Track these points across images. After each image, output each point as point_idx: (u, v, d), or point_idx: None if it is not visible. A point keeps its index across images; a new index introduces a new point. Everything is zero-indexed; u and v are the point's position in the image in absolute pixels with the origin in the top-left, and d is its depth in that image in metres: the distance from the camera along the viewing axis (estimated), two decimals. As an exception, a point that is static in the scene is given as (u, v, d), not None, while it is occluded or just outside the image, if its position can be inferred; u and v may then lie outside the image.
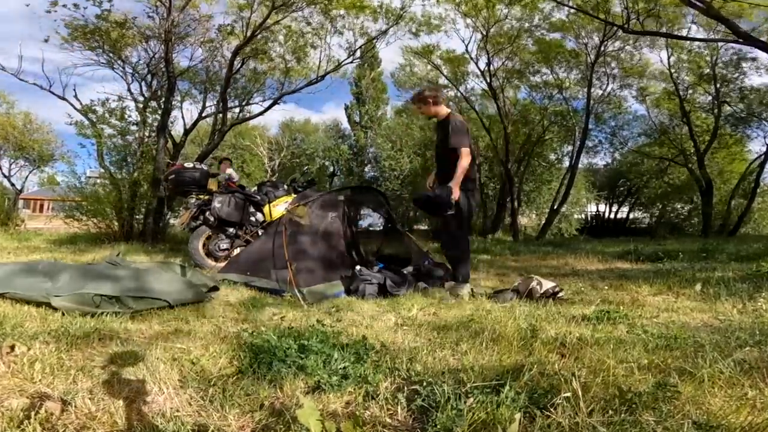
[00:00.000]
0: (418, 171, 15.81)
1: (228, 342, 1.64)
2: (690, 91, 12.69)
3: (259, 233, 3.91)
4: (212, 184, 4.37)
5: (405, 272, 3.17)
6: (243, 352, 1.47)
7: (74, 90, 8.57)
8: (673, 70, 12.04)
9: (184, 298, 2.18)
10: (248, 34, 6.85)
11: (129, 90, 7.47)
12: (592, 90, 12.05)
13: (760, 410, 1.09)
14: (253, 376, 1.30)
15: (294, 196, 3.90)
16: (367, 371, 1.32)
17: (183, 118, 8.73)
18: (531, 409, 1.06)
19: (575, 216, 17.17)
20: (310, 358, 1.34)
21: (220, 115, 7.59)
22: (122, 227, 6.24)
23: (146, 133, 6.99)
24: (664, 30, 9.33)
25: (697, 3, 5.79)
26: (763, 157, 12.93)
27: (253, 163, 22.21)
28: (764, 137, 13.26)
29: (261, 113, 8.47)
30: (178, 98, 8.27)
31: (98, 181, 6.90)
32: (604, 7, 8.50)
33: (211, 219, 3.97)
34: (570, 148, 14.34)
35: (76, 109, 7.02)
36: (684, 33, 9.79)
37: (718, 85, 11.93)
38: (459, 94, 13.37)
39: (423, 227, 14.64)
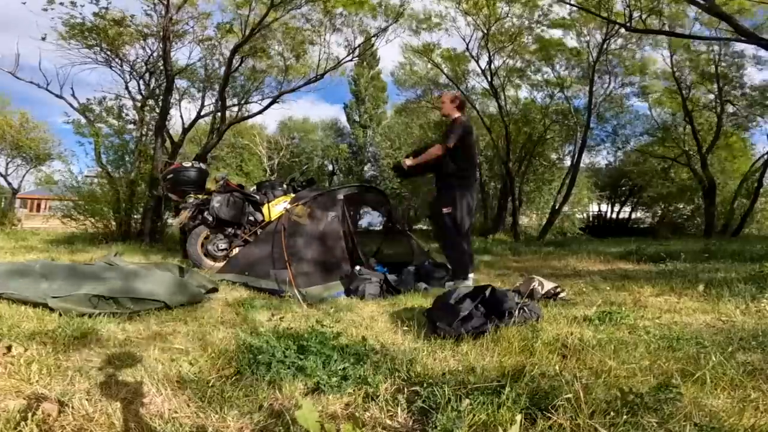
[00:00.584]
0: (419, 170, 15.77)
1: (226, 343, 1.63)
2: (692, 90, 12.63)
3: (258, 233, 3.90)
4: (210, 184, 4.35)
5: (405, 272, 3.16)
6: (242, 353, 1.46)
7: (71, 89, 8.55)
8: (675, 69, 11.99)
9: (182, 299, 2.17)
10: (247, 32, 6.82)
11: (127, 88, 7.44)
12: (594, 88, 12.01)
13: (763, 412, 1.08)
14: (251, 377, 1.29)
15: (293, 195, 3.89)
16: (367, 372, 1.31)
17: (181, 116, 8.75)
18: (532, 410, 1.06)
19: (577, 216, 17.13)
20: (309, 359, 1.33)
21: (219, 113, 7.57)
22: (120, 227, 6.21)
23: (144, 132, 6.97)
24: (666, 28, 9.29)
25: (699, 0, 5.76)
26: (766, 156, 12.87)
27: (252, 163, 22.19)
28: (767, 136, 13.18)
29: (260, 112, 8.45)
30: (177, 97, 8.23)
31: (95, 180, 6.88)
32: (606, 5, 8.47)
33: (210, 219, 3.95)
34: (571, 147, 14.30)
35: (73, 107, 7.00)
36: (686, 31, 9.74)
37: (720, 84, 11.87)
38: (459, 93, 13.33)
39: (423, 227, 14.63)
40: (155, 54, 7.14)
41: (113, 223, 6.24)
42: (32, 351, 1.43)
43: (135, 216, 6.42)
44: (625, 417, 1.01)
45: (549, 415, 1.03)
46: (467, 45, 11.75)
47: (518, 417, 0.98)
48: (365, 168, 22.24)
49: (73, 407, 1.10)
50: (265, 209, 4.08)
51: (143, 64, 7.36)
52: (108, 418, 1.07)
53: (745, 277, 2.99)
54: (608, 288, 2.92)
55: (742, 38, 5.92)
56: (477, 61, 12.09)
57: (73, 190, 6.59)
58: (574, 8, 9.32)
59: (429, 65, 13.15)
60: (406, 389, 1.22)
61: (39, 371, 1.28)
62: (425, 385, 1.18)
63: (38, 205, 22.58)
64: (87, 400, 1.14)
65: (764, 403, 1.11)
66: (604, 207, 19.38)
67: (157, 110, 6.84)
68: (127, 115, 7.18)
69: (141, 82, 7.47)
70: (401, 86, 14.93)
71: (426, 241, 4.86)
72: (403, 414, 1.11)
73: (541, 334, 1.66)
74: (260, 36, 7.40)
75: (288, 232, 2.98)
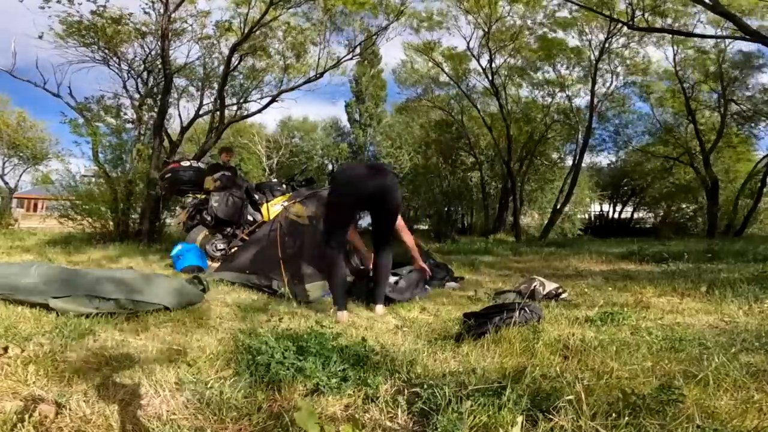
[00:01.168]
0: (419, 169, 15.77)
1: (225, 344, 1.62)
2: (696, 89, 12.57)
3: (256, 232, 3.88)
4: (208, 183, 4.33)
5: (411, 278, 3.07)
6: (240, 354, 1.45)
7: (69, 88, 8.51)
8: (678, 68, 11.93)
9: (182, 300, 2.16)
10: (246, 30, 6.80)
11: (125, 87, 7.42)
12: (596, 88, 11.98)
13: (767, 414, 1.06)
14: (250, 378, 1.28)
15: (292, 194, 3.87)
16: (367, 373, 1.30)
17: (180, 115, 8.64)
18: (533, 412, 1.05)
19: (578, 216, 17.10)
20: (308, 360, 1.32)
21: (218, 112, 7.55)
22: (117, 227, 6.16)
23: (142, 131, 6.95)
24: (669, 27, 9.24)
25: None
26: (770, 156, 12.79)
27: (251, 162, 22.17)
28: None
29: (259, 111, 8.41)
30: (175, 96, 8.19)
31: (93, 179, 6.87)
32: (608, 3, 8.43)
33: (208, 218, 3.93)
34: (573, 146, 14.26)
35: (70, 106, 6.97)
36: (690, 30, 9.68)
37: (724, 83, 11.81)
38: (460, 92, 13.31)
39: (424, 227, 14.62)
40: (153, 52, 7.12)
41: (111, 223, 6.20)
42: (29, 352, 1.42)
43: (133, 216, 6.39)
44: (627, 419, 1.00)
45: (550, 416, 1.02)
46: (468, 43, 11.74)
47: (519, 419, 0.97)
48: (365, 167, 22.19)
49: (70, 409, 1.09)
50: (263, 209, 4.07)
51: (141, 62, 7.34)
52: (106, 420, 1.06)
53: (748, 278, 2.97)
54: (610, 289, 2.91)
55: (747, 37, 5.88)
56: (478, 60, 12.08)
57: (70, 189, 6.57)
58: (576, 6, 9.28)
59: (430, 64, 13.12)
60: (406, 390, 1.22)
61: (36, 372, 1.27)
62: (425, 386, 1.17)
63: (35, 205, 22.57)
64: (84, 401, 1.13)
65: (768, 405, 1.09)
66: (606, 207, 19.34)
67: (156, 109, 6.82)
68: (125, 114, 7.17)
69: (139, 80, 7.45)
70: (402, 85, 14.92)
71: (426, 242, 4.85)
72: (403, 415, 1.10)
73: (542, 335, 1.65)
74: (260, 34, 7.38)
75: (285, 231, 2.97)
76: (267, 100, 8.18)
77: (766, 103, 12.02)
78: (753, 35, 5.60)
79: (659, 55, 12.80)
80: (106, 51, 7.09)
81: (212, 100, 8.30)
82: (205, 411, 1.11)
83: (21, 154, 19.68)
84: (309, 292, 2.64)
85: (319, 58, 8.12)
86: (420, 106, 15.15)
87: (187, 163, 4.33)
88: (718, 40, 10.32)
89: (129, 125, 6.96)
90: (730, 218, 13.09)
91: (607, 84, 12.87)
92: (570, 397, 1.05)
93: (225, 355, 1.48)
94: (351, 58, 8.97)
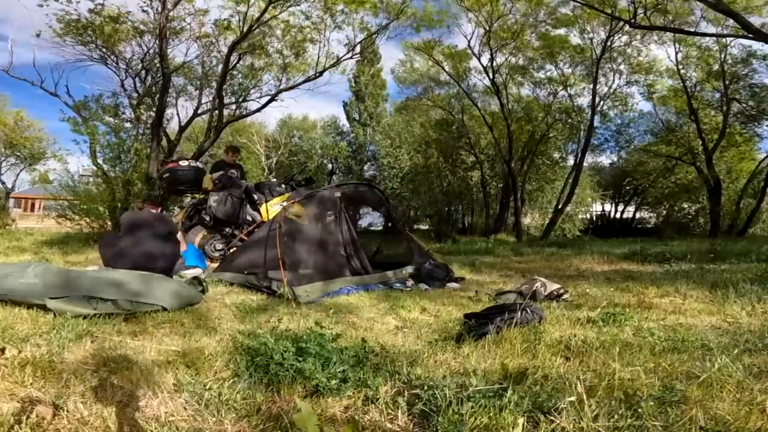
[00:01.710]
0: (419, 168, 15.75)
1: (224, 345, 1.61)
2: (698, 88, 12.52)
3: (255, 232, 3.86)
4: (207, 183, 4.31)
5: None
6: (239, 355, 1.44)
7: (66, 87, 8.50)
8: (680, 67, 11.87)
9: (181, 301, 2.15)
10: (245, 29, 6.78)
11: (122, 86, 7.39)
12: (598, 87, 11.93)
13: (771, 416, 1.05)
14: (249, 379, 1.28)
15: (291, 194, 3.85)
16: (367, 375, 1.29)
17: (178, 114, 8.61)
18: (535, 413, 1.04)
19: (580, 216, 17.06)
20: (308, 361, 1.32)
21: (216, 111, 7.53)
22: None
23: (140, 131, 6.93)
24: (671, 25, 9.19)
25: (707, -3, 5.68)
26: (774, 155, 12.74)
27: (250, 161, 22.14)
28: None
29: (258, 110, 8.40)
30: (173, 95, 8.17)
31: (91, 179, 6.85)
32: (610, 1, 8.38)
33: (207, 218, 3.91)
34: (574, 146, 14.23)
35: (68, 105, 6.96)
36: (692, 28, 9.64)
37: (726, 82, 11.74)
38: (461, 91, 13.28)
39: (424, 227, 14.62)
40: (152, 51, 7.09)
41: (109, 223, 6.19)
42: (26, 353, 1.41)
43: (131, 216, 6.37)
44: (629, 420, 0.99)
45: (552, 418, 1.01)
46: (469, 42, 11.70)
47: (520, 420, 0.96)
48: (365, 167, 22.20)
49: (67, 410, 1.08)
50: (263, 209, 4.05)
51: (139, 61, 7.31)
52: (103, 421, 1.05)
53: (751, 278, 2.96)
54: (612, 289, 2.90)
55: (749, 35, 5.85)
56: (479, 59, 12.05)
57: (68, 189, 6.55)
58: (578, 4, 9.24)
59: (430, 63, 13.09)
60: (406, 392, 1.21)
61: (33, 374, 1.27)
62: (426, 387, 1.17)
63: (32, 205, 22.54)
64: (82, 403, 1.12)
65: (772, 407, 1.08)
66: (607, 207, 19.29)
67: (154, 108, 6.80)
68: (123, 113, 7.15)
69: (137, 79, 7.42)
70: (402, 84, 14.90)
71: (426, 242, 4.84)
72: (404, 417, 1.10)
73: (543, 336, 1.64)
74: (259, 33, 7.36)
75: (284, 231, 2.95)
76: (266, 99, 8.18)
77: (769, 101, 11.93)
78: (756, 34, 5.57)
79: (661, 53, 12.78)
80: (104, 49, 7.07)
81: (211, 99, 8.27)
82: (204, 412, 1.10)
83: (18, 154, 19.66)
84: (308, 293, 2.63)
85: (318, 57, 8.11)
86: (420, 105, 15.13)
87: (186, 163, 4.31)
88: (721, 38, 10.25)
89: (127, 124, 6.93)
90: (732, 218, 13.04)
91: (609, 83, 12.85)
92: (572, 398, 1.04)
93: (224, 356, 1.47)
94: (351, 57, 8.95)
